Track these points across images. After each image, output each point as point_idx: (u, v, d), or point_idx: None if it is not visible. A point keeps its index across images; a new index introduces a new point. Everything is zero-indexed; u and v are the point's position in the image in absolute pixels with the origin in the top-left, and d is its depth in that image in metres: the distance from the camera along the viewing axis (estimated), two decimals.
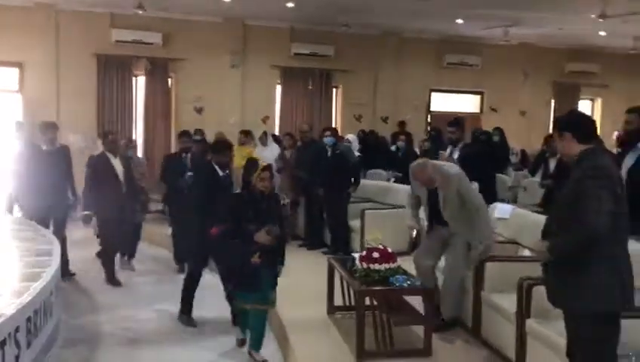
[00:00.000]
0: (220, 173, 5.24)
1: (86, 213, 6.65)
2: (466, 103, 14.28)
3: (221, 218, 4.53)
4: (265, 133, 9.87)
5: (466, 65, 13.58)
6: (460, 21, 11.64)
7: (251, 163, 5.71)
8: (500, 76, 13.86)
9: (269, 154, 9.10)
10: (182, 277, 6.57)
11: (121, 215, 6.40)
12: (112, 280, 6.52)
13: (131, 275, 6.93)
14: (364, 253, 4.52)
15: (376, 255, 4.42)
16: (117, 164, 6.46)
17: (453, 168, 4.81)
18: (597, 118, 14.93)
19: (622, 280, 2.89)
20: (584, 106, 15.09)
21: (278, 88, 12.73)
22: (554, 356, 3.52)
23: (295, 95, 12.71)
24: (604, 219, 2.76)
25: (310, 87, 12.72)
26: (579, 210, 2.84)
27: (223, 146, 5.47)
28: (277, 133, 12.08)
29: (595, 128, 3.10)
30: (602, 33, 12.54)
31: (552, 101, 14.68)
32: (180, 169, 7.00)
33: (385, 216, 7.43)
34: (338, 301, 5.18)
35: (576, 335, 2.91)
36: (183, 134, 7.70)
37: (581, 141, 2.98)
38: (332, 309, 5.19)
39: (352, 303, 5.16)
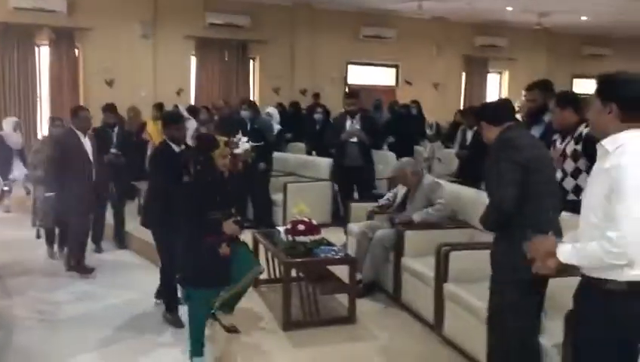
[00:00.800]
0: (177, 150, 4.46)
1: (49, 194, 6.13)
2: (382, 76, 14.51)
3: (183, 208, 3.78)
4: (176, 106, 9.37)
5: (381, 38, 13.76)
6: None
7: (206, 138, 4.27)
8: (414, 49, 14.16)
9: None
10: (99, 256, 6.42)
11: (94, 198, 5.99)
12: (81, 268, 5.85)
13: (45, 257, 6.57)
14: (289, 225, 4.53)
15: (301, 227, 4.44)
16: (87, 143, 5.96)
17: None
18: (504, 90, 15.69)
19: None
20: (492, 79, 15.74)
21: (193, 60, 12.38)
22: (470, 317, 3.71)
23: (211, 67, 12.43)
24: (506, 191, 2.93)
25: (226, 59, 12.47)
26: (489, 184, 3.12)
27: (175, 117, 4.72)
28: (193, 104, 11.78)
29: (508, 109, 3.28)
30: (509, 8, 13.07)
31: (463, 74, 15.20)
32: (105, 144, 6.59)
33: (307, 188, 7.47)
34: (264, 274, 5.17)
35: (501, 301, 3.07)
36: (108, 108, 7.04)
37: (497, 125, 3.18)
38: (257, 282, 5.19)
39: (278, 276, 5.21)
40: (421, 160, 8.98)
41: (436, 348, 4.06)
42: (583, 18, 14.03)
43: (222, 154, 3.80)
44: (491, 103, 3.71)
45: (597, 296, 2.33)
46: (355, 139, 6.59)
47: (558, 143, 4.09)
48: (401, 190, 5.31)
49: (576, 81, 16.55)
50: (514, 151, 3.00)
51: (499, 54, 15.30)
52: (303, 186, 7.52)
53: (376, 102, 11.12)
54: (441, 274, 4.07)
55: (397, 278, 4.74)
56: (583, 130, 3.88)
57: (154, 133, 8.78)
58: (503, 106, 3.35)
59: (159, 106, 9.35)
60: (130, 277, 5.84)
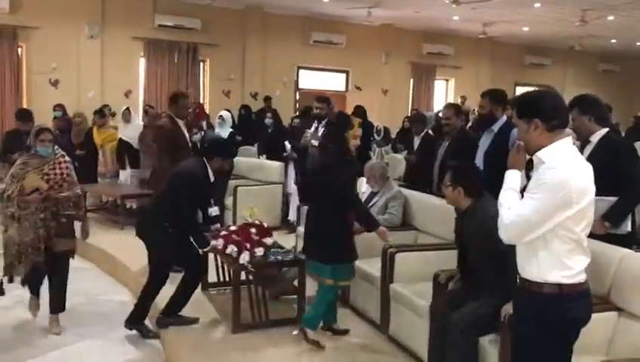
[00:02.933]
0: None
1: None
2: (333, 81, 14.67)
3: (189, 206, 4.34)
4: (128, 109, 9.23)
5: (331, 44, 13.93)
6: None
7: (342, 116, 5.21)
8: (363, 56, 14.39)
9: (131, 132, 8.67)
10: None
11: None
12: None
13: None
14: (238, 228, 4.55)
15: (252, 230, 4.48)
16: None
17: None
18: (450, 97, 16.09)
19: None
20: (439, 86, 16.14)
21: (142, 61, 12.21)
22: (414, 317, 3.85)
23: (160, 69, 12.29)
24: None
25: (176, 61, 12.36)
26: None
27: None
28: (141, 109, 11.64)
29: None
30: (456, 17, 13.45)
31: (411, 80, 15.53)
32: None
33: (257, 192, 7.51)
34: (212, 278, 5.19)
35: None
36: (22, 115, 6.42)
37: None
38: (206, 286, 5.20)
39: (227, 279, 5.23)
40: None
41: (382, 347, 4.17)
42: (524, 29, 14.58)
43: (354, 135, 4.12)
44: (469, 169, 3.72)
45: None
46: (316, 143, 6.62)
47: None
48: (366, 190, 5.35)
49: (518, 88, 17.16)
50: None
51: (445, 62, 15.71)
52: (254, 190, 7.55)
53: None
54: (387, 275, 4.20)
55: None
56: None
57: (98, 139, 8.65)
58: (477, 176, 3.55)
59: (100, 112, 9.02)
60: (75, 281, 5.74)
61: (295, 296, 4.56)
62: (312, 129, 6.73)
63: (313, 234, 4.17)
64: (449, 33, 15.25)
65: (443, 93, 16.32)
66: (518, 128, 2.54)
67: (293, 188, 7.64)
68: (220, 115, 8.81)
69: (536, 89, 2.84)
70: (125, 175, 8.37)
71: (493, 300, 3.10)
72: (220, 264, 5.21)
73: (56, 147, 4.39)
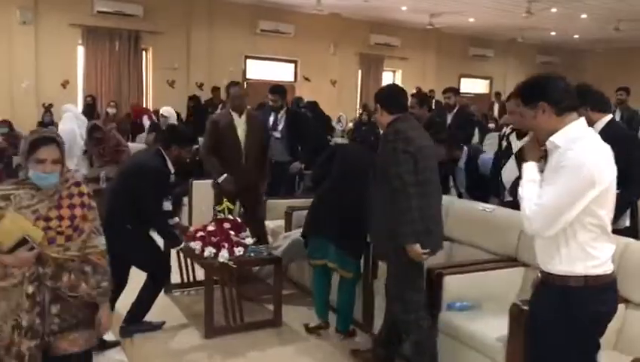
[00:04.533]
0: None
1: None
2: (281, 71, 14.34)
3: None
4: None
5: (279, 33, 13.59)
6: None
7: None
8: (312, 46, 14.12)
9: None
10: None
11: None
12: None
13: None
14: (213, 226, 4.21)
15: (227, 225, 4.17)
16: None
17: None
18: None
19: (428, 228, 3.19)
20: (387, 78, 16.11)
21: (80, 50, 11.50)
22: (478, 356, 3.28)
23: (100, 57, 11.61)
24: (399, 181, 3.14)
25: (117, 49, 11.72)
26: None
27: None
28: (80, 100, 11.01)
29: (404, 100, 3.50)
30: (404, 8, 13.40)
31: (359, 71, 15.41)
32: None
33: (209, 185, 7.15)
34: (175, 278, 4.84)
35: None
36: None
37: (390, 112, 3.37)
38: (169, 288, 4.84)
39: (191, 279, 4.90)
40: None
41: (366, 345, 3.96)
42: (470, 20, 14.71)
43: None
44: (392, 89, 3.68)
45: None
46: (278, 135, 6.39)
47: (513, 140, 4.07)
48: None
49: (463, 80, 17.41)
50: (404, 142, 3.29)
51: (393, 53, 15.66)
52: (208, 183, 7.17)
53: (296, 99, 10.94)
54: (370, 272, 3.99)
55: None
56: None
57: None
58: (401, 96, 3.50)
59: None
60: None
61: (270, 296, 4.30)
62: (271, 120, 6.47)
63: (352, 222, 3.83)
64: (396, 24, 15.19)
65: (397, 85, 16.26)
66: (526, 118, 2.39)
67: None
68: (161, 113, 8.41)
69: (540, 74, 2.66)
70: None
71: None
72: (183, 263, 4.87)
73: (70, 169, 2.65)
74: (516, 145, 4.01)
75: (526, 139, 3.93)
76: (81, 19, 11.29)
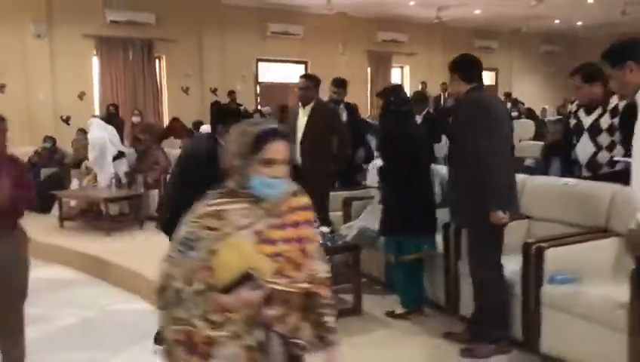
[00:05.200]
0: None
1: None
2: (293, 73, 14.31)
3: None
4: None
5: (289, 35, 13.59)
6: None
7: None
8: (321, 46, 14.11)
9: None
10: None
11: None
12: None
13: None
14: None
15: None
16: None
17: None
18: (406, 84, 16.10)
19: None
20: (395, 74, 16.12)
21: (95, 60, 11.45)
22: (588, 325, 3.19)
23: (115, 67, 11.57)
24: (481, 148, 3.31)
25: (131, 59, 11.68)
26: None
27: None
28: (97, 111, 10.94)
29: (480, 71, 3.61)
30: (411, 3, 13.43)
31: (369, 69, 15.42)
32: None
33: None
34: None
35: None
36: None
37: (469, 81, 3.51)
38: None
39: None
40: None
41: (453, 326, 3.92)
42: (477, 12, 14.76)
43: None
44: (469, 58, 3.72)
45: None
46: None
47: (582, 117, 4.00)
48: None
49: None
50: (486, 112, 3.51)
51: (400, 49, 15.68)
52: None
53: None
54: (451, 253, 3.97)
55: None
56: (618, 102, 3.76)
57: None
58: (478, 66, 3.62)
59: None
60: (74, 293, 5.26)
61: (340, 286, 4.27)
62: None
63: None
64: (403, 20, 15.21)
65: (399, 81, 16.29)
66: (614, 79, 2.54)
67: None
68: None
69: (621, 38, 2.73)
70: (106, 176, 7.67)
71: None
72: None
73: None
74: (587, 120, 4.00)
75: (598, 111, 3.97)
76: (95, 30, 11.26)
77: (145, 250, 6.05)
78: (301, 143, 5.05)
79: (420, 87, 14.31)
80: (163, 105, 12.47)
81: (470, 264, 3.56)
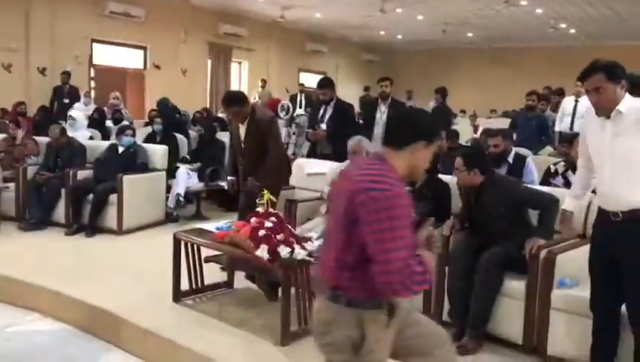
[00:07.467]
0: None
1: None
2: (130, 58, 13.16)
3: None
4: None
5: (129, 17, 12.43)
6: None
7: None
8: (162, 32, 13.21)
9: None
10: None
11: None
12: None
13: None
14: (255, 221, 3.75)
15: (272, 220, 3.74)
16: None
17: None
18: (244, 80, 15.88)
19: None
20: (234, 69, 15.75)
21: None
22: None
23: None
24: None
25: None
26: None
27: None
28: None
29: None
30: None
31: (209, 61, 14.82)
32: None
33: (140, 180, 6.39)
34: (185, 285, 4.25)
35: None
36: None
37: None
38: (179, 296, 4.22)
39: (199, 285, 4.34)
40: None
41: None
42: (317, 15, 15.08)
43: None
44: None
45: None
46: (324, 127, 6.45)
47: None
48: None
49: (302, 74, 17.78)
50: None
51: (241, 44, 15.37)
52: (137, 179, 6.37)
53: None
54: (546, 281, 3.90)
55: None
56: None
57: None
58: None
59: None
60: None
61: None
62: (320, 114, 6.45)
63: None
64: (244, 14, 14.93)
65: (238, 76, 15.97)
66: (604, 91, 2.80)
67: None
68: (70, 115, 7.69)
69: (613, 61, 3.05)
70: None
71: (516, 245, 3.54)
72: (192, 268, 4.28)
73: None
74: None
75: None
76: None
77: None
78: None
79: (260, 84, 14.21)
80: None
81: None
